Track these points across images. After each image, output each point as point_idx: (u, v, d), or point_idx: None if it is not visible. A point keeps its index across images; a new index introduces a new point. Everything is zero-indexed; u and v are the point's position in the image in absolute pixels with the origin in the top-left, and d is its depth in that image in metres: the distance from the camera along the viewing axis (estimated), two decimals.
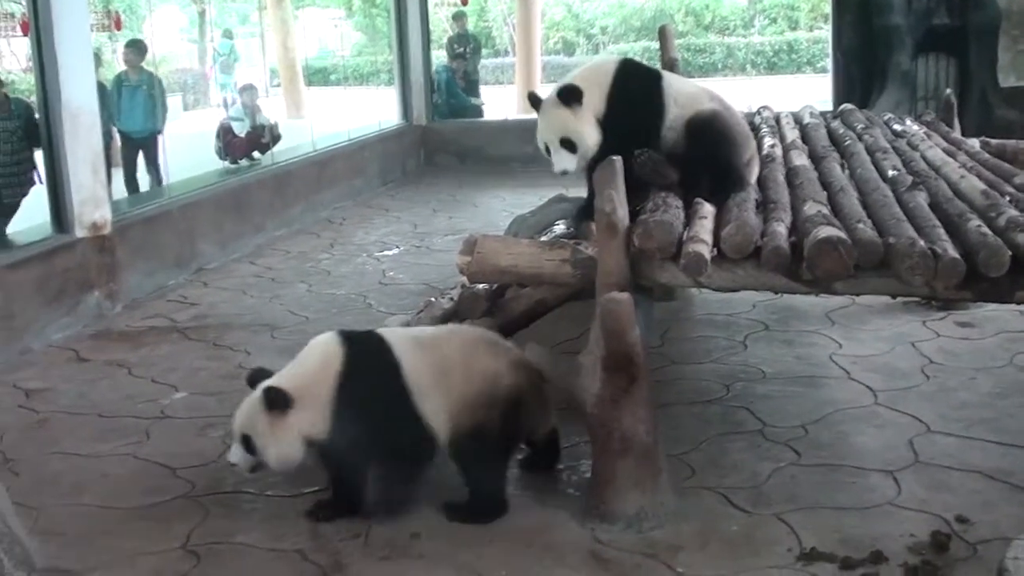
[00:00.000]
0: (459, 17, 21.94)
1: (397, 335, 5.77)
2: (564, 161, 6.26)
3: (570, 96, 6.20)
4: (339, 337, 5.67)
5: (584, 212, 6.33)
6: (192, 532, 5.57)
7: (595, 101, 6.23)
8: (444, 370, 5.54)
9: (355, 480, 5.60)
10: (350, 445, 5.46)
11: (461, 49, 20.76)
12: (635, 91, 6.34)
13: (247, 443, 5.54)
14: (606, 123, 6.23)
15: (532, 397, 5.66)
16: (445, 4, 23.39)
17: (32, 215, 10.88)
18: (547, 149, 6.30)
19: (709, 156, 6.10)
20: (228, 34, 26.35)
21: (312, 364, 5.60)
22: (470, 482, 5.60)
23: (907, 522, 5.30)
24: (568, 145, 6.21)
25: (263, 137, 15.55)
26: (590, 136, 6.19)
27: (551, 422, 5.91)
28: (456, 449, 5.54)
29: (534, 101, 6.47)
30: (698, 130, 6.17)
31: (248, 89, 16.58)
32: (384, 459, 5.58)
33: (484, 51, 26.41)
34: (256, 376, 5.72)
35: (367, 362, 5.57)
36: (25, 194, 11.02)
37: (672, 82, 6.48)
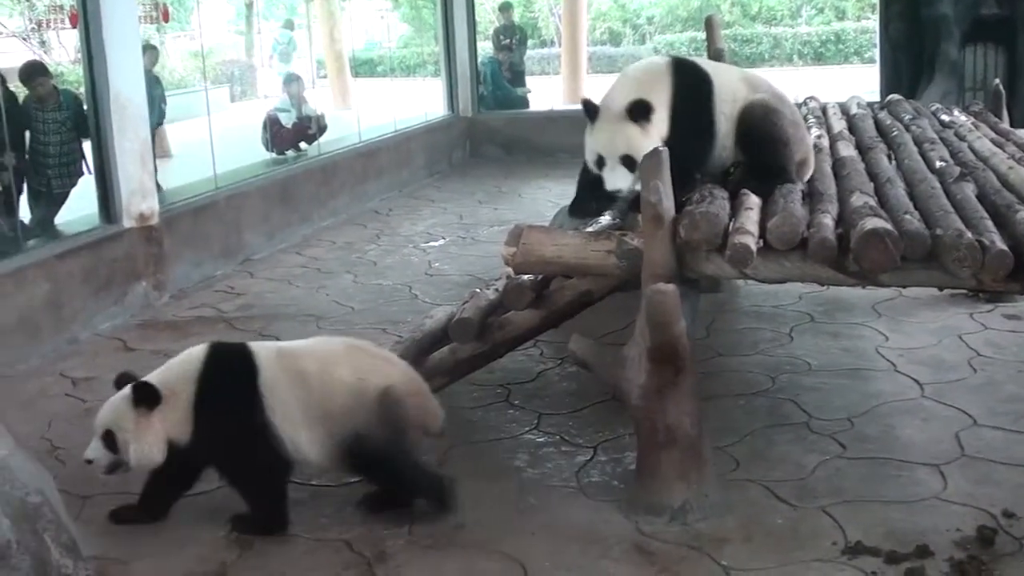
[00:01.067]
0: (505, 8, 21.91)
1: (262, 347, 5.69)
2: (620, 179, 5.97)
3: (641, 113, 5.92)
4: (208, 345, 5.64)
5: (631, 203, 6.22)
6: None
7: (660, 118, 5.97)
8: (303, 382, 5.43)
9: (252, 491, 5.54)
10: (211, 451, 5.46)
11: (507, 40, 20.73)
12: (694, 109, 6.06)
13: (109, 440, 5.45)
14: (669, 143, 5.85)
15: (413, 399, 5.52)
16: None
17: (80, 205, 10.95)
18: (599, 162, 6.05)
19: (757, 161, 6.06)
20: (289, 24, 26.48)
21: (178, 367, 5.56)
22: (401, 490, 5.56)
23: (953, 516, 5.27)
24: (629, 163, 5.91)
25: (310, 128, 15.59)
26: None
27: (440, 425, 5.70)
28: (349, 462, 5.46)
29: (589, 109, 6.11)
30: (746, 134, 6.08)
31: (294, 80, 16.61)
32: (242, 469, 5.49)
33: (530, 42, 26.37)
34: (122, 379, 5.60)
35: (225, 369, 5.54)
36: (74, 184, 11.07)
37: (721, 84, 6.20)
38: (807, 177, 6.27)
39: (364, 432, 5.35)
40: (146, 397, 5.37)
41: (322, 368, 5.47)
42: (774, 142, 6.06)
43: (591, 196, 6.25)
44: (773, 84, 6.43)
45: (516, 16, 24.18)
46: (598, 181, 6.06)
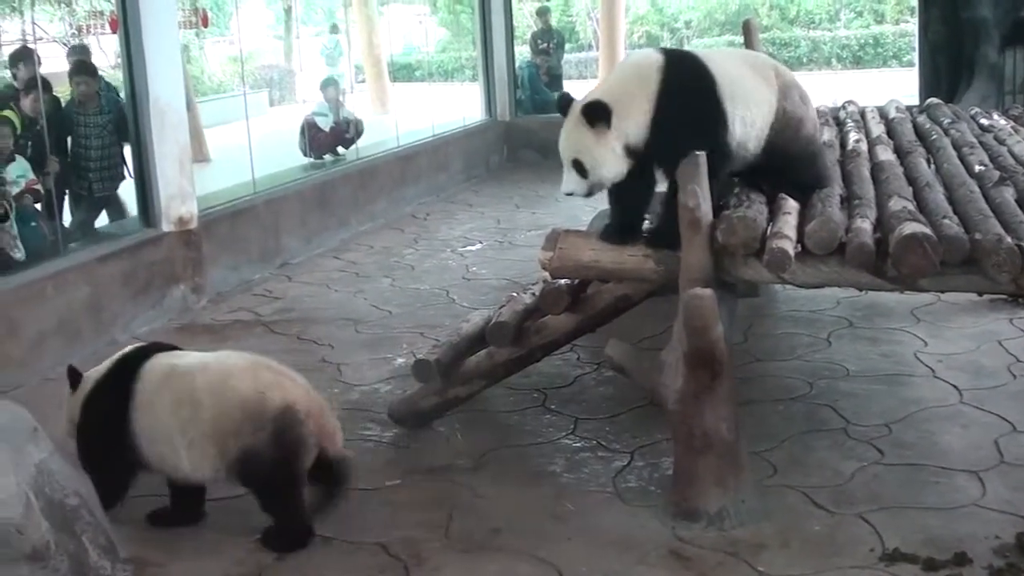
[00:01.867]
0: (543, 12, 21.90)
1: (156, 363, 5.65)
2: (571, 183, 5.77)
3: (594, 115, 5.67)
4: (117, 357, 5.82)
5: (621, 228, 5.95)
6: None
7: (629, 125, 5.67)
8: (190, 401, 5.39)
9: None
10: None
11: (544, 44, 20.71)
12: (689, 112, 5.69)
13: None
14: (652, 150, 5.69)
15: (314, 418, 5.40)
16: (528, 0, 23.38)
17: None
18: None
19: (795, 176, 5.99)
20: (334, 29, 26.55)
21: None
22: (266, 508, 5.46)
23: (992, 523, 5.23)
24: (579, 168, 5.73)
25: (347, 132, 15.62)
26: (608, 165, 5.69)
27: (339, 447, 5.56)
28: (235, 475, 5.41)
29: (564, 104, 5.90)
30: (781, 154, 5.95)
31: (331, 84, 16.64)
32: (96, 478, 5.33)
33: (567, 46, 26.35)
34: (73, 374, 5.88)
35: (106, 384, 5.70)
36: (115, 188, 11.14)
37: (727, 81, 5.84)
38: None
39: (257, 450, 5.29)
40: None
41: (218, 384, 5.40)
42: (811, 157, 6.06)
43: (627, 219, 5.99)
44: (787, 73, 6.24)
45: (554, 20, 24.17)
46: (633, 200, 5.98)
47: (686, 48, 6.60)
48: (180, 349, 5.98)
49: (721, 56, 6.36)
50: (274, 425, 5.27)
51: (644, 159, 5.73)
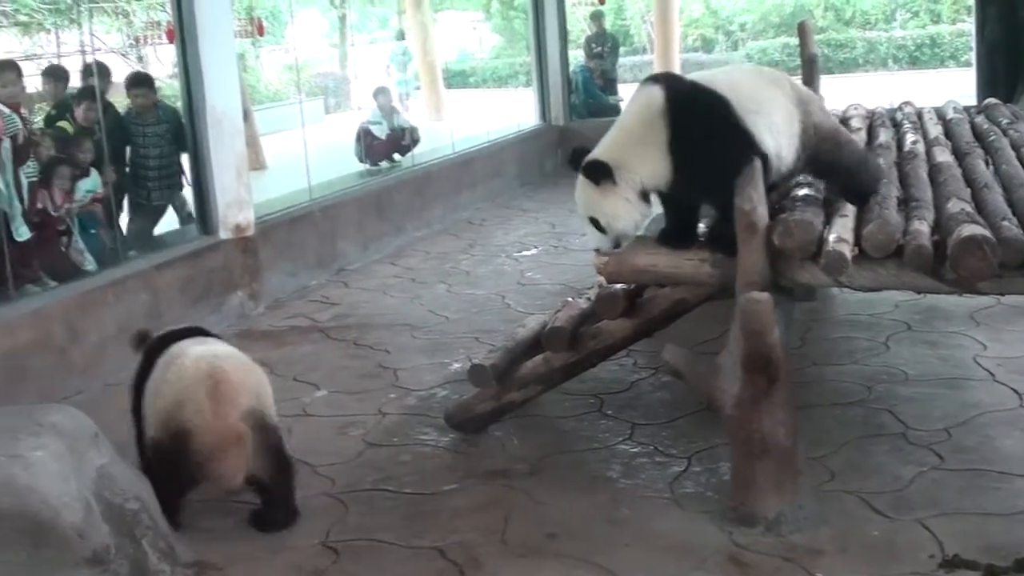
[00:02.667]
0: (597, 17, 21.87)
1: (182, 346, 5.91)
2: (595, 239, 5.81)
3: (595, 174, 5.70)
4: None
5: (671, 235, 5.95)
6: (331, 528, 5.66)
7: (643, 174, 5.65)
8: (166, 379, 5.65)
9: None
10: None
11: (599, 48, 20.68)
12: (707, 143, 5.58)
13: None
14: (680, 189, 5.67)
15: (203, 450, 5.47)
16: (582, 4, 23.34)
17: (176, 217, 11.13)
18: None
19: (847, 183, 5.92)
20: (401, 35, 26.66)
21: None
22: None
23: None
24: (596, 225, 5.74)
25: (403, 139, 15.67)
26: (622, 218, 5.68)
27: (231, 487, 5.67)
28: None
29: (576, 158, 5.98)
30: (823, 170, 5.96)
31: (383, 91, 16.69)
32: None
33: (622, 49, 26.33)
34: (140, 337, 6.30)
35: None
36: (173, 196, 11.25)
37: (739, 96, 5.67)
38: None
39: (157, 445, 5.61)
40: None
41: (174, 381, 5.63)
42: (859, 164, 6.01)
43: (682, 223, 5.98)
44: (799, 83, 6.25)
45: (608, 24, 24.14)
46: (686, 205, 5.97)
47: (689, 76, 6.32)
48: (215, 337, 6.20)
49: (727, 73, 6.31)
50: (173, 432, 5.50)
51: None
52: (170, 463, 5.50)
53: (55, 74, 10.90)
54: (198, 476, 5.54)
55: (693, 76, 5.94)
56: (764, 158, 5.58)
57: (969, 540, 5.09)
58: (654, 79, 5.93)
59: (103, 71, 10.84)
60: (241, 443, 5.51)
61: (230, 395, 5.55)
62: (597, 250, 5.84)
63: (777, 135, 5.66)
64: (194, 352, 5.79)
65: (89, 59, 11.63)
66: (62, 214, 9.52)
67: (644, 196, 5.70)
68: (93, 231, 9.91)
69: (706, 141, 5.57)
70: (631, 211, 5.67)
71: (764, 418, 5.24)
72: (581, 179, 5.79)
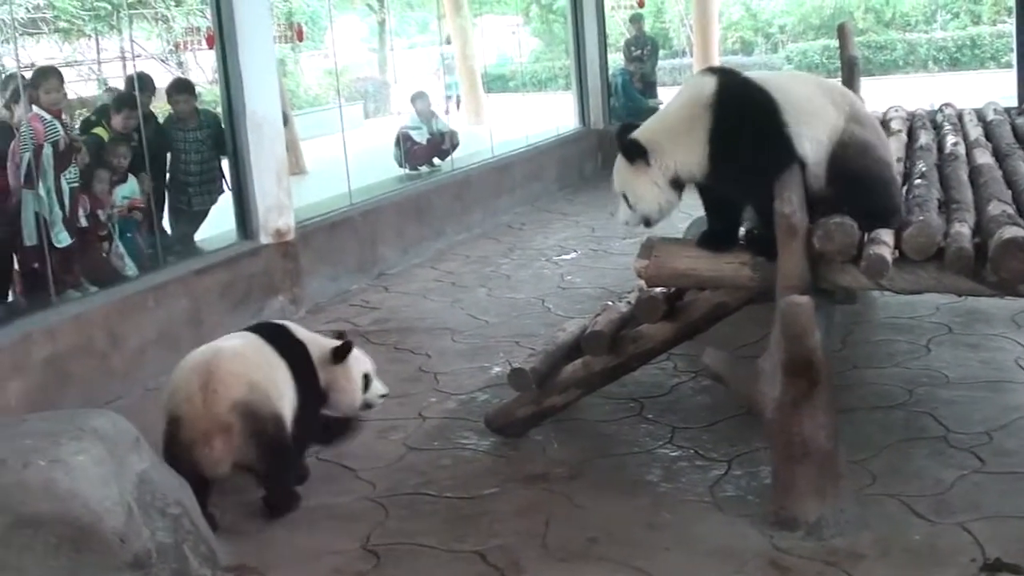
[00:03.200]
0: (636, 20, 21.86)
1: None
2: (623, 214, 5.97)
3: (630, 153, 5.82)
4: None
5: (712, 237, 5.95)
6: (372, 532, 5.67)
7: (679, 161, 5.69)
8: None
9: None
10: None
11: (638, 52, 20.67)
12: (747, 142, 5.58)
13: None
14: (715, 182, 5.71)
15: (191, 437, 5.69)
16: (622, 7, 23.34)
17: (219, 222, 11.18)
18: None
19: (859, 207, 5.52)
20: (448, 39, 26.77)
21: None
22: None
23: None
24: (626, 201, 5.91)
25: (443, 143, 15.71)
26: (647, 200, 5.80)
27: (263, 465, 5.86)
28: None
29: (622, 134, 6.02)
30: (838, 170, 5.61)
31: (420, 96, 16.73)
32: None
33: (661, 52, 26.31)
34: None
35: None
36: (214, 202, 11.33)
37: (789, 102, 5.63)
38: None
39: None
40: None
41: (181, 368, 5.99)
42: (872, 185, 5.66)
43: (723, 226, 5.96)
44: (858, 101, 6.08)
45: (647, 27, 24.12)
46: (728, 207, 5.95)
47: (745, 73, 6.29)
48: (289, 334, 6.34)
49: (784, 78, 6.32)
50: (165, 428, 5.81)
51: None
52: (166, 450, 5.71)
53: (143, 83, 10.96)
54: (186, 463, 5.64)
55: (750, 74, 5.92)
56: (802, 166, 5.56)
57: (1010, 543, 5.05)
58: (711, 70, 5.99)
59: (145, 82, 10.93)
60: (227, 433, 5.70)
61: (221, 386, 5.74)
62: (625, 223, 6.00)
63: (817, 145, 5.60)
64: (208, 345, 6.10)
65: (129, 67, 11.72)
66: (103, 220, 9.59)
67: (676, 184, 5.77)
68: (129, 235, 10.00)
69: (746, 138, 5.57)
70: (657, 195, 5.78)
71: (805, 422, 5.22)
72: (619, 157, 5.92)
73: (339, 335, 6.54)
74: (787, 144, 5.56)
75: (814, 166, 5.60)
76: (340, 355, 6.28)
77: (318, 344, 6.35)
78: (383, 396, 6.55)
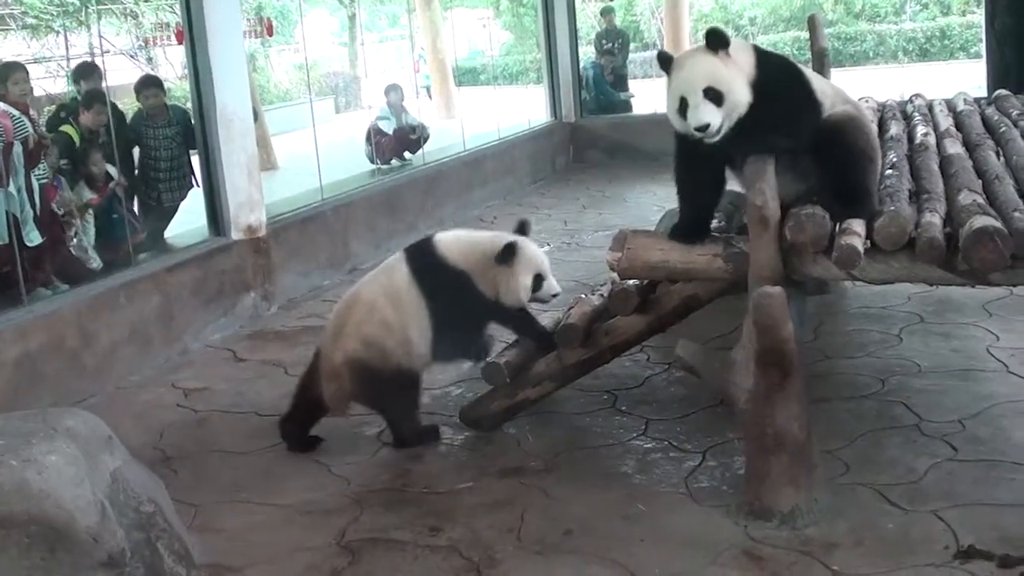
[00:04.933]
0: (607, 12, 21.87)
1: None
2: (707, 114, 5.46)
3: (719, 41, 5.55)
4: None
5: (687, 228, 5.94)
6: (348, 528, 5.67)
7: (745, 61, 5.58)
8: None
9: None
10: None
11: (609, 45, 20.68)
12: (783, 68, 5.75)
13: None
14: (759, 88, 5.53)
15: (324, 366, 6.60)
16: (592, 0, 23.36)
17: (189, 218, 11.14)
18: (681, 106, 5.60)
19: (841, 180, 5.58)
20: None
21: None
22: None
23: None
24: (713, 96, 5.48)
25: (412, 134, 15.67)
26: (741, 91, 5.48)
27: (377, 411, 6.79)
28: None
29: (664, 60, 5.75)
30: (830, 140, 5.63)
31: (393, 88, 16.70)
32: None
33: (632, 45, 26.34)
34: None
35: None
36: (183, 198, 11.29)
37: (810, 73, 5.92)
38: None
39: None
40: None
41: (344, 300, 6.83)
42: (861, 158, 5.70)
43: (695, 217, 5.95)
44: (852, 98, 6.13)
45: (618, 20, 24.14)
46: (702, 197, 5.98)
47: None
48: (434, 256, 6.64)
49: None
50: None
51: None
52: (306, 373, 6.84)
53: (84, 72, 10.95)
54: (315, 390, 6.64)
55: None
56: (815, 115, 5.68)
57: (984, 531, 5.08)
58: None
59: (87, 70, 10.90)
60: (340, 381, 6.52)
61: (343, 338, 6.55)
62: (705, 126, 5.47)
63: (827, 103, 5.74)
64: (360, 283, 6.86)
65: (86, 61, 11.67)
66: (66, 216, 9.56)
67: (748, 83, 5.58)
68: (115, 215, 10.00)
69: (781, 72, 5.73)
70: (745, 89, 5.51)
71: (778, 412, 5.24)
72: (696, 54, 5.65)
73: (521, 224, 6.91)
74: (810, 91, 5.71)
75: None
76: (503, 258, 6.46)
77: (481, 250, 6.55)
78: (555, 295, 6.72)
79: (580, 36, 19.80)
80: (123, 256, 9.64)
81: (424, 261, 6.59)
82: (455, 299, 6.47)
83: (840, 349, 7.84)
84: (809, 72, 5.97)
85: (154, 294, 8.93)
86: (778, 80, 5.63)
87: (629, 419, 6.88)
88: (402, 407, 6.64)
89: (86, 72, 10.90)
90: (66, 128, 10.18)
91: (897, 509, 5.40)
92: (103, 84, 10.66)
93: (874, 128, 6.13)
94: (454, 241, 6.67)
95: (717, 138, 5.53)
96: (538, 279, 6.52)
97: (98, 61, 11.44)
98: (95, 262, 9.63)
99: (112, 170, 10.16)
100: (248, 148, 10.15)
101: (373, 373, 6.44)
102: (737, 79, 5.50)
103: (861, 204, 5.57)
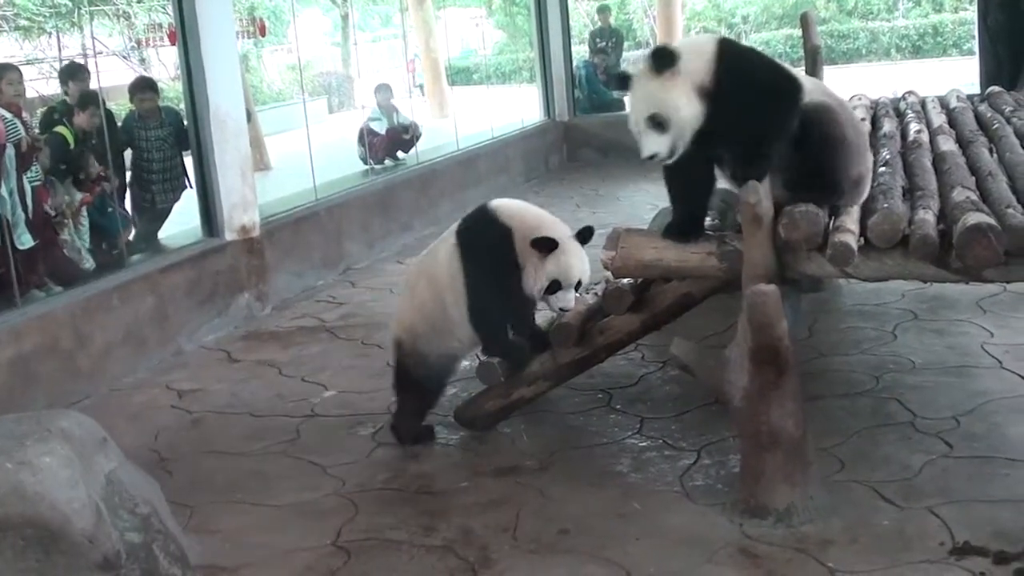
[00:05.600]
0: (603, 11, 21.84)
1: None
2: (651, 143, 5.49)
3: (661, 60, 5.48)
4: None
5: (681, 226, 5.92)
6: (343, 528, 5.66)
7: (697, 67, 5.47)
8: None
9: None
10: None
11: (603, 43, 20.67)
12: (750, 59, 5.69)
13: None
14: (722, 87, 5.47)
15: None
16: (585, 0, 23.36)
17: (183, 219, 11.13)
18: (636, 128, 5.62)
19: (812, 161, 5.55)
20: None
21: None
22: None
23: None
24: (657, 124, 5.48)
25: (404, 133, 15.66)
26: (685, 107, 5.43)
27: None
28: None
29: (622, 81, 5.74)
30: (803, 127, 5.57)
31: (383, 88, 16.69)
32: None
33: (625, 43, 26.34)
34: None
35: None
36: (177, 199, 11.28)
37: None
38: (861, 199, 5.80)
39: None
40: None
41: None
42: (831, 143, 5.62)
43: (688, 215, 5.93)
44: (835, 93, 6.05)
45: (612, 18, 24.14)
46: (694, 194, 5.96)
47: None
48: (489, 226, 6.53)
49: None
50: None
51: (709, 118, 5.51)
52: None
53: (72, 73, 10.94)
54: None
55: None
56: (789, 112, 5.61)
57: (979, 527, 5.09)
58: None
59: (76, 71, 10.89)
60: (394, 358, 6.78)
61: (395, 318, 6.86)
62: (653, 155, 5.53)
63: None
64: (420, 258, 6.90)
65: (91, 65, 11.65)
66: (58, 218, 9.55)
67: (700, 92, 5.49)
68: (110, 209, 10.00)
69: (747, 64, 5.69)
70: (691, 103, 5.46)
71: (773, 410, 5.24)
72: (641, 78, 5.59)
73: (583, 231, 6.49)
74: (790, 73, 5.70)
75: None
76: (537, 245, 6.31)
77: (536, 222, 6.49)
78: (563, 309, 6.45)
79: (573, 35, 19.80)
80: (117, 256, 9.63)
81: (472, 216, 6.63)
82: (492, 254, 6.38)
83: (834, 346, 7.84)
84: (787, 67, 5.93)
85: (148, 295, 8.93)
86: (743, 71, 5.57)
87: (624, 418, 6.88)
88: (415, 401, 6.73)
89: (73, 72, 10.87)
90: (60, 129, 10.16)
91: (892, 506, 5.40)
92: (96, 84, 10.64)
93: (854, 117, 6.03)
94: (511, 203, 6.69)
95: (671, 160, 5.58)
96: (555, 284, 6.30)
97: (91, 62, 11.42)
98: (88, 263, 9.61)
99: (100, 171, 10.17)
100: (241, 148, 10.14)
101: (409, 358, 6.63)
102: (682, 98, 5.45)
103: (830, 191, 5.58)
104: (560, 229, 6.41)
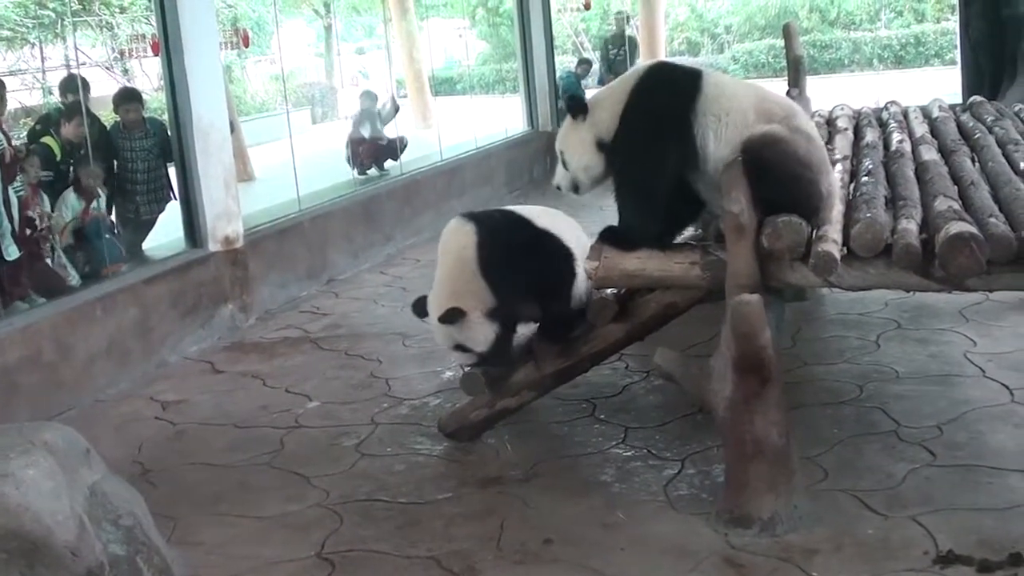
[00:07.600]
0: (620, 18, 21.74)
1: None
2: (558, 175, 6.13)
3: (572, 108, 5.97)
4: None
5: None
6: (327, 540, 5.64)
7: (604, 118, 5.81)
8: None
9: None
10: None
11: (615, 51, 20.62)
12: (655, 109, 5.67)
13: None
14: (616, 147, 5.79)
15: None
16: (568, 10, 23.37)
17: (167, 230, 11.11)
18: None
19: (768, 201, 5.45)
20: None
21: None
22: None
23: None
24: (563, 160, 6.03)
25: (385, 141, 15.68)
26: (578, 157, 5.92)
27: None
28: None
29: (568, 106, 6.08)
30: (752, 168, 5.45)
31: (368, 95, 16.69)
32: None
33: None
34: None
35: None
36: (161, 210, 11.26)
37: (719, 93, 5.66)
38: (835, 207, 5.75)
39: None
40: None
41: None
42: (790, 183, 5.47)
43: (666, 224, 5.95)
44: (797, 111, 5.89)
45: (594, 28, 24.17)
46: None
47: (690, 61, 6.42)
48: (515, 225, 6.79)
49: (732, 80, 6.43)
50: None
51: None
52: None
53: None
54: None
55: (694, 61, 6.06)
56: (685, 153, 5.64)
57: (963, 536, 5.10)
58: (657, 61, 6.47)
59: (84, 85, 10.87)
60: None
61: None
62: (558, 187, 6.17)
63: (724, 145, 5.60)
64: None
65: (72, 73, 11.65)
66: (44, 231, 9.53)
67: (598, 145, 5.87)
68: (107, 236, 9.98)
69: (651, 105, 5.72)
70: (585, 154, 5.91)
71: (756, 419, 5.24)
72: (567, 119, 6.04)
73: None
74: (688, 128, 5.63)
75: (715, 158, 5.61)
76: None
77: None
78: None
79: (556, 45, 19.82)
80: (103, 272, 9.61)
81: (502, 224, 6.75)
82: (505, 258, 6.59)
83: (818, 355, 7.85)
84: (724, 89, 5.75)
85: (131, 306, 8.90)
86: (635, 122, 5.74)
87: (608, 428, 6.88)
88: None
89: (72, 85, 10.87)
90: (47, 140, 10.15)
91: (876, 515, 5.41)
92: (87, 96, 10.66)
93: (811, 147, 5.72)
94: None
95: (578, 194, 6.14)
96: None
97: (74, 73, 11.42)
98: (74, 278, 9.59)
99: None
100: (225, 159, 10.13)
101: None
102: (580, 144, 5.89)
103: (802, 216, 5.45)
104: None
